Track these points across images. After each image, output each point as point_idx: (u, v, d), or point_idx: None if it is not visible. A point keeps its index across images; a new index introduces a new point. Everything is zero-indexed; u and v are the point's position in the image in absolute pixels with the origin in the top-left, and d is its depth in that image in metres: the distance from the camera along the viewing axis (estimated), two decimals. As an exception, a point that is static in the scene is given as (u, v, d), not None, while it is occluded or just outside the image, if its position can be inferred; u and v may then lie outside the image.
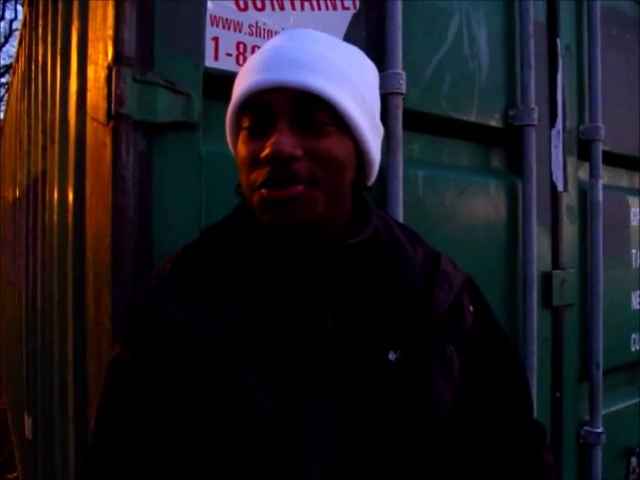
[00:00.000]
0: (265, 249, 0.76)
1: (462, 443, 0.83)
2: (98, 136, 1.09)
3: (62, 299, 1.47)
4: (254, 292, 0.74)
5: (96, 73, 1.10)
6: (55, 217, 1.61)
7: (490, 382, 0.88)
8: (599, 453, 1.77)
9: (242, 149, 0.73)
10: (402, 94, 1.31)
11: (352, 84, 0.73)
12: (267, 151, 0.68)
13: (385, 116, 1.29)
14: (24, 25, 2.89)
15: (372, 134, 0.76)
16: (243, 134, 0.74)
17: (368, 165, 0.78)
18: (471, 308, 0.87)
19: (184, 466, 0.71)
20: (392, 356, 0.75)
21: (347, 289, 0.77)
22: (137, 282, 1.02)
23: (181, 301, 0.73)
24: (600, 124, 1.81)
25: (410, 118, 1.35)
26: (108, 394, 0.76)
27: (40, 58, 2.14)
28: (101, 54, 1.07)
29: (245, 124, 0.74)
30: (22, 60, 3.09)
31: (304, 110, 0.70)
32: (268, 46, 0.76)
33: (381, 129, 0.81)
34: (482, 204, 1.54)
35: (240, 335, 0.71)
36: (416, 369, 0.76)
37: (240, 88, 0.73)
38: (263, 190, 0.70)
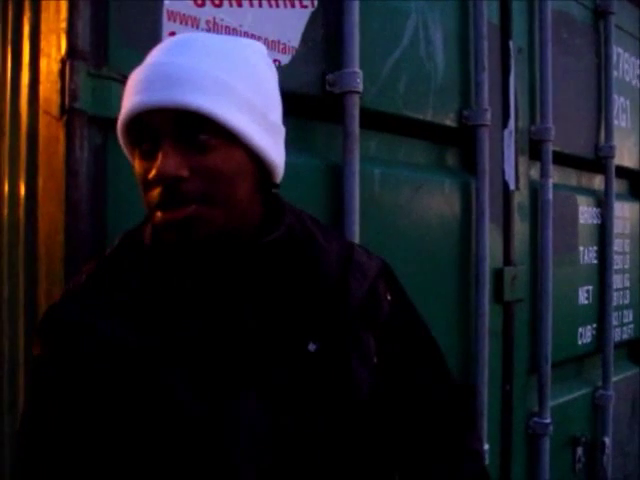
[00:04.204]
0: (178, 259, 0.77)
1: (386, 427, 0.87)
2: (51, 130, 1.07)
3: (12, 296, 1.43)
4: (173, 297, 0.75)
5: (49, 66, 1.08)
6: (5, 212, 1.57)
7: (408, 367, 0.92)
8: (547, 443, 1.83)
9: (137, 168, 0.74)
10: (359, 92, 1.32)
11: (232, 92, 0.71)
12: (153, 173, 0.69)
13: (342, 114, 1.30)
14: (-28, 13, 2.79)
15: (267, 136, 0.75)
16: (137, 152, 0.74)
17: (269, 167, 0.78)
18: (388, 296, 0.90)
19: (112, 468, 0.71)
20: (312, 347, 0.77)
21: (265, 286, 0.79)
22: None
23: (103, 313, 0.73)
24: (550, 125, 1.86)
25: (366, 116, 1.37)
26: (34, 397, 0.77)
27: (-11, 48, 2.07)
28: (54, 47, 1.05)
29: (136, 143, 0.74)
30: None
31: (186, 128, 0.69)
32: (147, 60, 0.75)
33: (280, 127, 0.80)
34: (437, 202, 1.57)
35: (162, 340, 0.72)
36: (335, 357, 0.79)
37: (124, 109, 0.73)
38: (158, 212, 0.71)
